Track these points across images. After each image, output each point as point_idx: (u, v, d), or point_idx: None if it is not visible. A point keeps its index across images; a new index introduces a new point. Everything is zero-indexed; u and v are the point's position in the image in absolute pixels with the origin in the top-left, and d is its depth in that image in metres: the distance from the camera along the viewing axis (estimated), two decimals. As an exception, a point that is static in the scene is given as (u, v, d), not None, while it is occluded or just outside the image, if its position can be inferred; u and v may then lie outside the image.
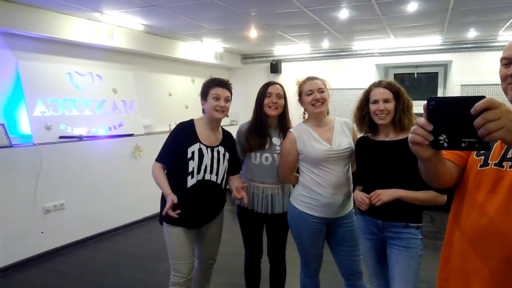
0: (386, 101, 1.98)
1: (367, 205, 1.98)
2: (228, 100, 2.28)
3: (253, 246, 2.58)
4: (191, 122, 2.31)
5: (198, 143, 2.24)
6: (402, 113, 1.98)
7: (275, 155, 2.40)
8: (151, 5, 3.79)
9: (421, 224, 1.99)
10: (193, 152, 2.21)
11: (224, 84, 2.28)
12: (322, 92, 2.23)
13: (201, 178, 2.23)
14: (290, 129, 2.35)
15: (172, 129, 2.33)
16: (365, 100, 2.08)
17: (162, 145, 2.29)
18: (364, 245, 2.15)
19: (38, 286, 3.40)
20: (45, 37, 4.02)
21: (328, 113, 2.34)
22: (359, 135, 2.24)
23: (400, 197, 1.90)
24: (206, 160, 2.23)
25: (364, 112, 2.08)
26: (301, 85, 2.31)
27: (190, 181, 2.21)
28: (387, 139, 2.03)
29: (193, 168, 2.20)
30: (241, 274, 2.69)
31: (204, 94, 2.28)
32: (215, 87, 2.24)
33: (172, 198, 2.11)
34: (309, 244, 2.30)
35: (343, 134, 2.27)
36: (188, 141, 2.23)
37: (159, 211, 2.37)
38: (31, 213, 3.83)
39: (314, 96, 2.21)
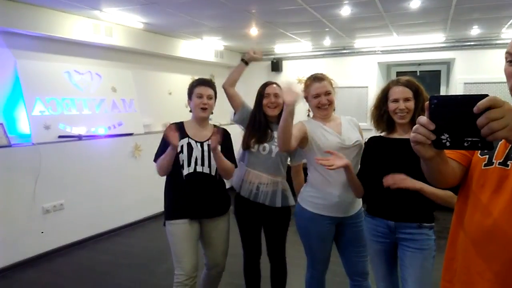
0: (406, 99, 1.93)
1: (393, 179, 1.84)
2: (211, 97, 2.37)
3: (251, 245, 2.56)
4: (181, 123, 2.43)
5: (187, 138, 2.35)
6: (421, 111, 1.90)
7: (273, 147, 2.43)
8: (150, 2, 3.77)
9: (433, 224, 1.93)
10: (182, 146, 2.31)
11: (207, 83, 2.39)
12: (329, 94, 2.21)
13: (192, 171, 2.31)
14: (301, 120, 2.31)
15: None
16: (384, 98, 2.02)
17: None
18: (373, 248, 2.07)
19: (38, 286, 3.39)
20: (44, 35, 4.00)
21: (334, 109, 2.31)
22: (376, 134, 2.15)
23: (421, 189, 1.79)
24: (196, 153, 2.32)
25: (382, 111, 2.02)
26: (307, 85, 2.27)
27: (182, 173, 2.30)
28: (405, 136, 1.95)
29: (183, 160, 2.30)
30: (242, 275, 2.66)
31: (190, 94, 2.41)
32: (198, 86, 2.36)
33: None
34: (317, 246, 2.26)
35: (351, 129, 2.27)
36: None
37: (162, 209, 2.41)
38: (31, 213, 3.81)
39: (320, 100, 2.20)
